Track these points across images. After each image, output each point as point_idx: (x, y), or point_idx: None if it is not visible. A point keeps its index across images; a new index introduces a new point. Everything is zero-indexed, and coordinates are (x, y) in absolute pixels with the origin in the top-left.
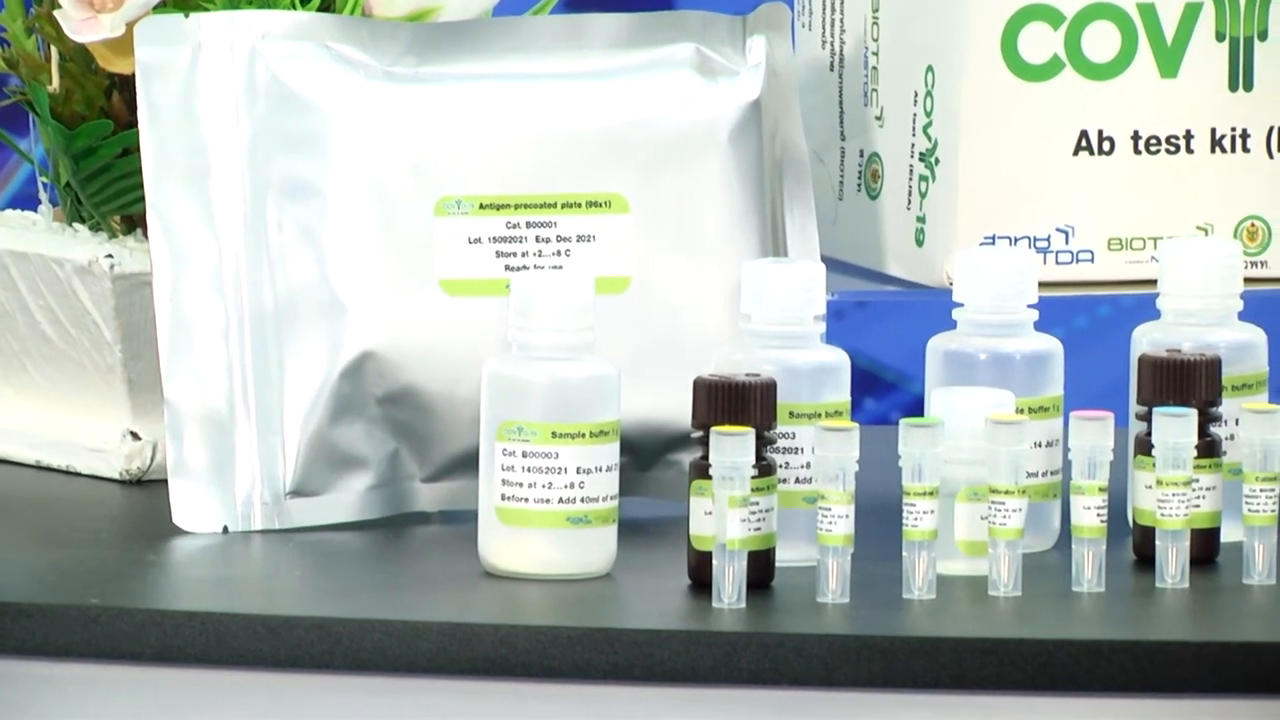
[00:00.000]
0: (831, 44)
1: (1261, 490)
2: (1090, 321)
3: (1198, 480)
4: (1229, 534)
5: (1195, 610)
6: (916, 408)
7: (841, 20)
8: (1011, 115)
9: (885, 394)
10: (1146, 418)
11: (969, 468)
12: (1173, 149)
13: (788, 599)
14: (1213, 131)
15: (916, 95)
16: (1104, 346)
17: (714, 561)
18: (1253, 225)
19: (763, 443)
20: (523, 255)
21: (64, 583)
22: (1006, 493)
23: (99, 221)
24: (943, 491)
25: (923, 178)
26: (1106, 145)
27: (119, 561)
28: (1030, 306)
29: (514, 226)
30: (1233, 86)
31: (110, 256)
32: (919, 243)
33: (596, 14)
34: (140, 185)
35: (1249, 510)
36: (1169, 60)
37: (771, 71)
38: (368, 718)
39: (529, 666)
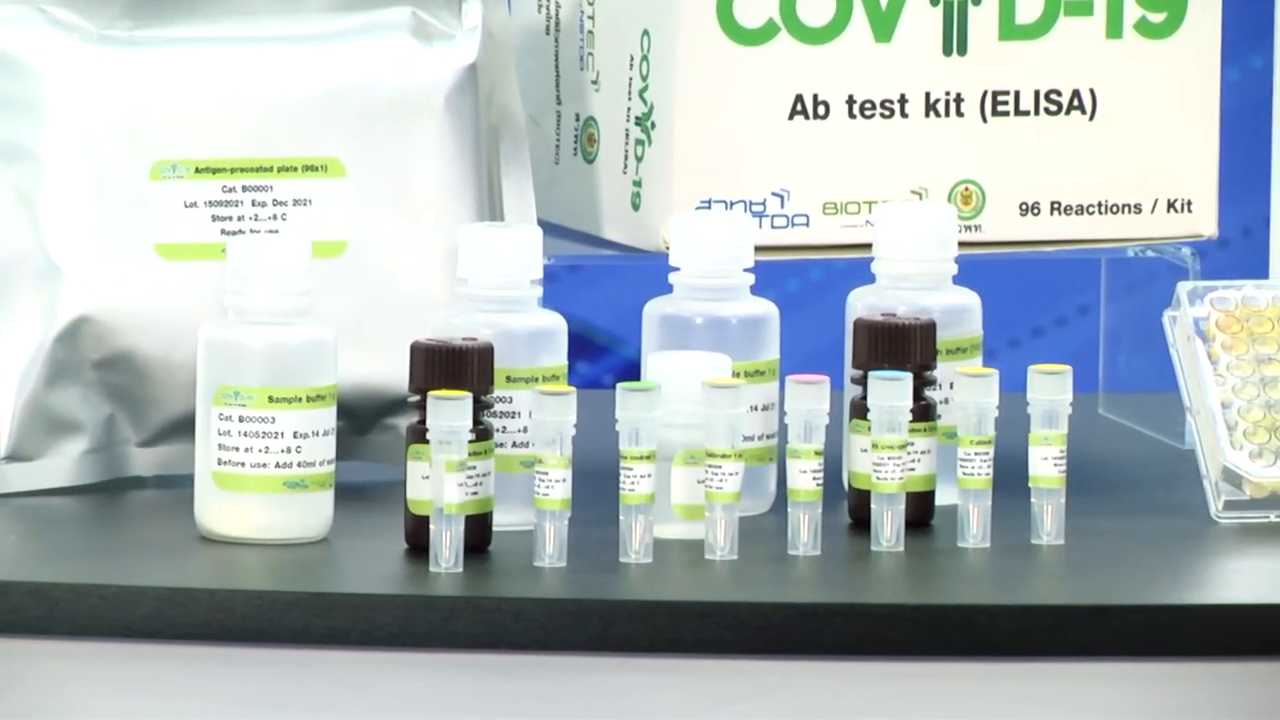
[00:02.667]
0: (548, 8)
1: (976, 454)
2: (802, 285)
3: (913, 444)
4: (944, 497)
5: (910, 573)
6: (630, 371)
7: None
8: (727, 79)
9: (598, 357)
10: (862, 381)
11: (686, 431)
12: (887, 113)
13: (505, 563)
14: (927, 96)
15: (632, 59)
16: (816, 310)
17: (431, 526)
18: (967, 189)
19: (480, 407)
20: (239, 219)
21: None
22: (723, 456)
23: None
24: (660, 455)
25: (639, 142)
26: (821, 109)
27: None
28: (746, 270)
29: (230, 190)
30: (946, 51)
31: None
32: (635, 207)
33: None
34: None
35: (963, 474)
36: (883, 24)
37: (488, 35)
38: (86, 682)
39: (246, 631)
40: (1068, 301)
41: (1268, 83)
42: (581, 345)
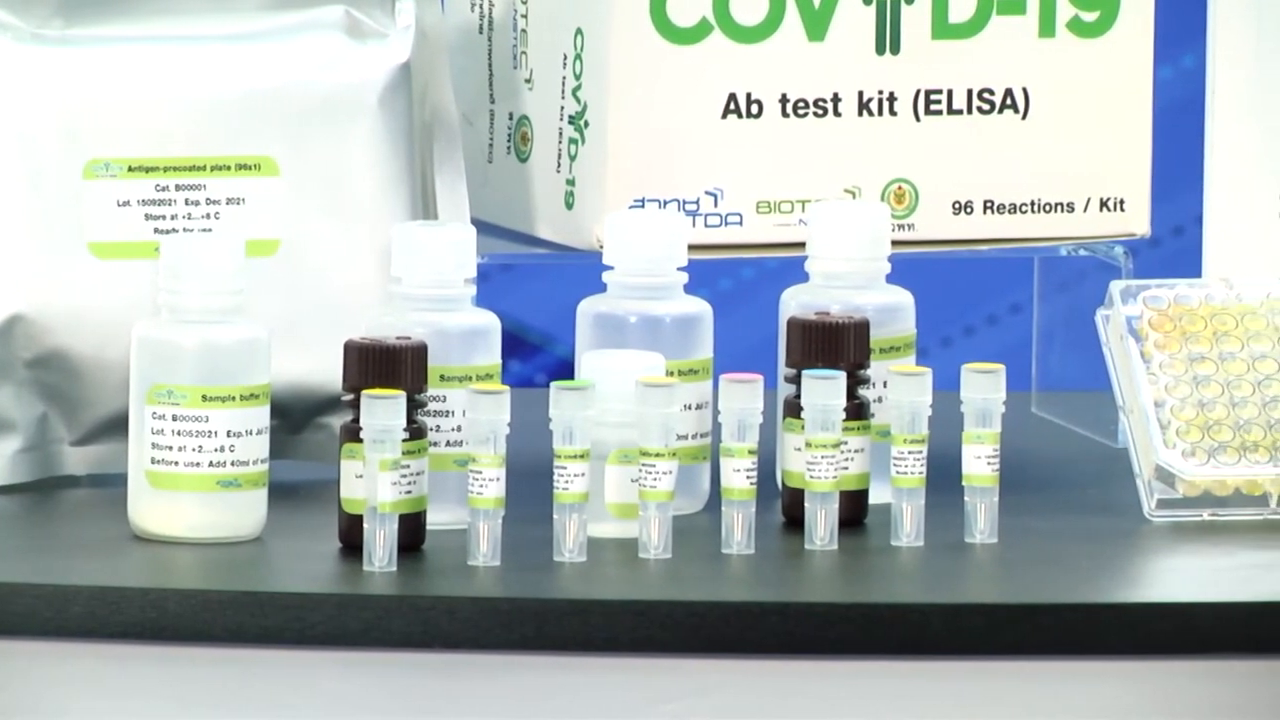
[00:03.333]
0: (481, 7)
1: (909, 452)
2: (734, 284)
3: (846, 443)
4: (877, 496)
5: (844, 571)
6: (562, 370)
7: None
8: (660, 78)
9: (530, 356)
10: (795, 380)
11: (619, 430)
12: (820, 112)
13: (439, 562)
14: (860, 94)
15: (566, 58)
16: (749, 309)
17: (365, 525)
18: (900, 188)
19: (413, 406)
20: (172, 218)
21: None
22: (657, 455)
23: None
24: (593, 454)
25: (572, 140)
26: (755, 108)
27: None
28: (680, 269)
29: (163, 189)
30: (880, 50)
31: None
32: (569, 205)
33: None
34: None
35: (897, 472)
36: (816, 23)
37: (421, 34)
38: (17, 681)
39: (179, 630)
40: (999, 300)
41: (1199, 81)
42: (514, 344)
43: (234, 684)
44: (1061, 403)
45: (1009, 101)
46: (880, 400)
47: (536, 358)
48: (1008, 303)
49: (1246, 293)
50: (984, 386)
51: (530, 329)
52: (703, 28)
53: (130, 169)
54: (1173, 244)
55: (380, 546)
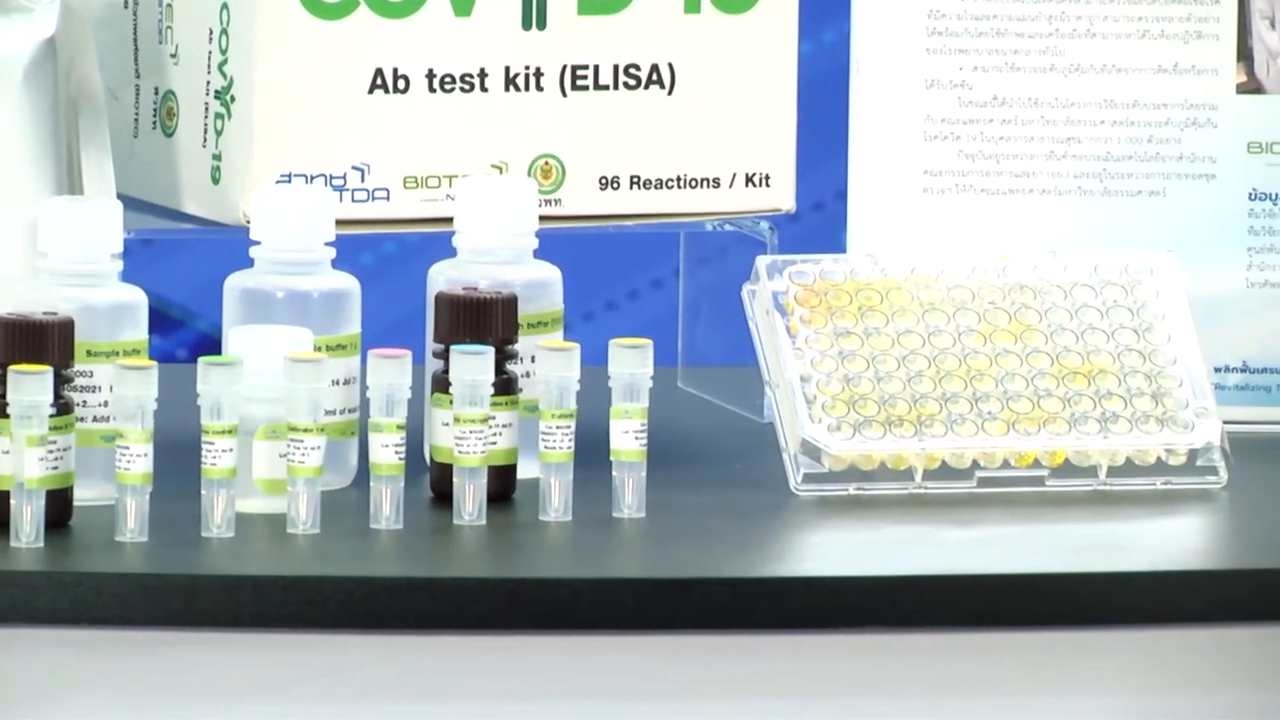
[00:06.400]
0: None
1: (558, 427)
2: (377, 259)
3: (494, 418)
4: (525, 471)
5: (493, 547)
6: (204, 345)
7: None
8: (306, 53)
9: (171, 331)
10: (443, 355)
11: (268, 406)
12: (467, 87)
13: (86, 538)
14: (507, 70)
15: (211, 33)
16: (392, 284)
17: (11, 500)
18: (547, 164)
19: (60, 381)
20: None
21: None
22: (305, 431)
23: None
24: (242, 429)
25: (219, 115)
26: (401, 84)
27: None
28: (327, 245)
29: None
30: (526, 25)
31: None
32: (215, 181)
33: None
34: None
35: (545, 447)
36: None
37: (66, 8)
38: None
39: None
40: (642, 275)
41: (839, 56)
42: (156, 319)
43: None
44: (708, 378)
45: (655, 77)
46: (528, 375)
47: (178, 333)
48: (650, 278)
49: (891, 268)
50: (631, 361)
51: (172, 304)
52: (349, 3)
53: None
54: (813, 219)
55: (27, 522)
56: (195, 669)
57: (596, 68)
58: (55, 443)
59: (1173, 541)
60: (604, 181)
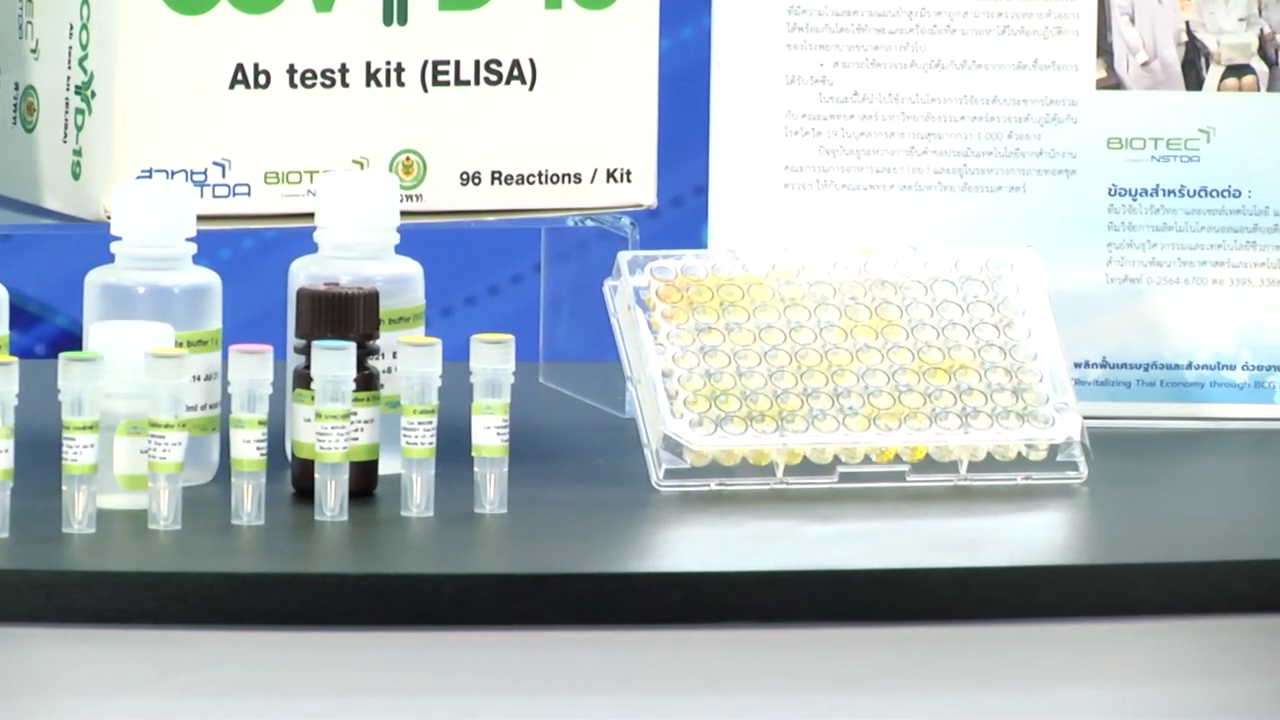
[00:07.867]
0: None
1: (419, 423)
2: (235, 254)
3: (356, 413)
4: (387, 467)
5: (355, 543)
6: (62, 340)
7: None
8: (167, 48)
9: (29, 327)
10: (305, 351)
11: (129, 401)
12: (328, 83)
13: None
14: (368, 65)
15: (72, 28)
16: (252, 279)
17: None
18: (408, 159)
19: None
20: None
21: None
22: (166, 426)
23: None
24: (103, 425)
25: (79, 111)
26: (262, 79)
27: None
28: (188, 240)
29: None
30: (387, 20)
31: None
32: (76, 176)
33: None
34: None
35: (407, 443)
36: None
37: None
38: None
39: None
40: (503, 271)
41: (698, 52)
42: (14, 314)
43: None
44: (570, 373)
45: (516, 73)
46: (390, 371)
47: (36, 328)
48: (510, 273)
49: (752, 263)
50: (493, 357)
51: (29, 299)
52: None
53: None
54: (672, 214)
55: None
56: (56, 666)
57: (457, 63)
58: None
59: (1033, 536)
60: (465, 177)
